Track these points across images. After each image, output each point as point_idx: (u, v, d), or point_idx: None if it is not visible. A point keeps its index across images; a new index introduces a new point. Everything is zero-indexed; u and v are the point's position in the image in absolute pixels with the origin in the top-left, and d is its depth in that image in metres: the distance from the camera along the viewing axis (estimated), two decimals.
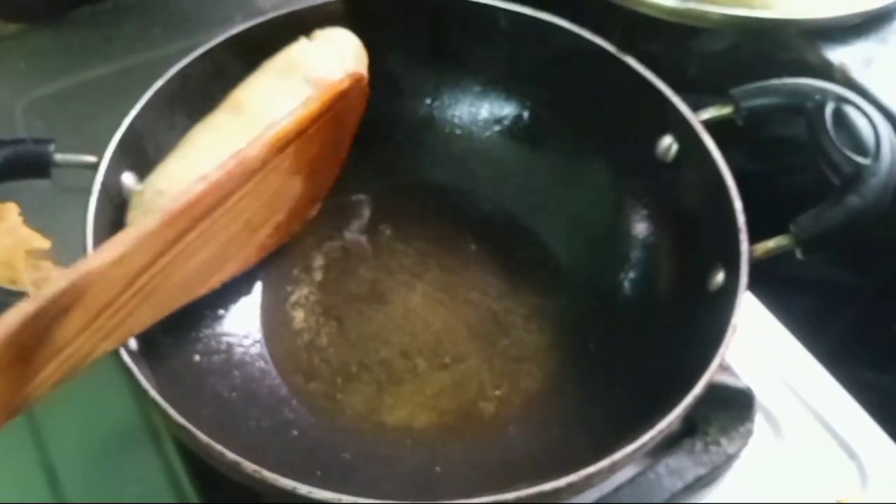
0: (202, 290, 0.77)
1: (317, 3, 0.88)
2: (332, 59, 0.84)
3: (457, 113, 0.94)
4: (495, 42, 0.90)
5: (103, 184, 0.74)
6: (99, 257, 0.64)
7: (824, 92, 0.78)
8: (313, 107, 0.79)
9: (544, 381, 0.82)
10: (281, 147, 0.77)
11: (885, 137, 0.75)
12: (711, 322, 0.72)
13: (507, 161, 0.93)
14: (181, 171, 0.76)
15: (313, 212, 0.89)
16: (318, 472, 0.72)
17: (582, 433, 0.77)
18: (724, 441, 0.80)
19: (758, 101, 0.80)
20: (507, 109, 0.93)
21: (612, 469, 0.64)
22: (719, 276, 0.76)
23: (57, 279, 0.61)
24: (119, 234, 0.66)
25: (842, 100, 0.78)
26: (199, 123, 0.81)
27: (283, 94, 0.81)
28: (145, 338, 0.70)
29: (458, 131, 0.94)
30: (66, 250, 0.85)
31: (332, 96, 0.81)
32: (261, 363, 0.81)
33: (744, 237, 0.74)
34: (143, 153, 0.80)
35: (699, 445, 0.80)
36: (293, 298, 0.86)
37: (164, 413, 0.64)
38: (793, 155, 0.85)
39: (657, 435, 0.64)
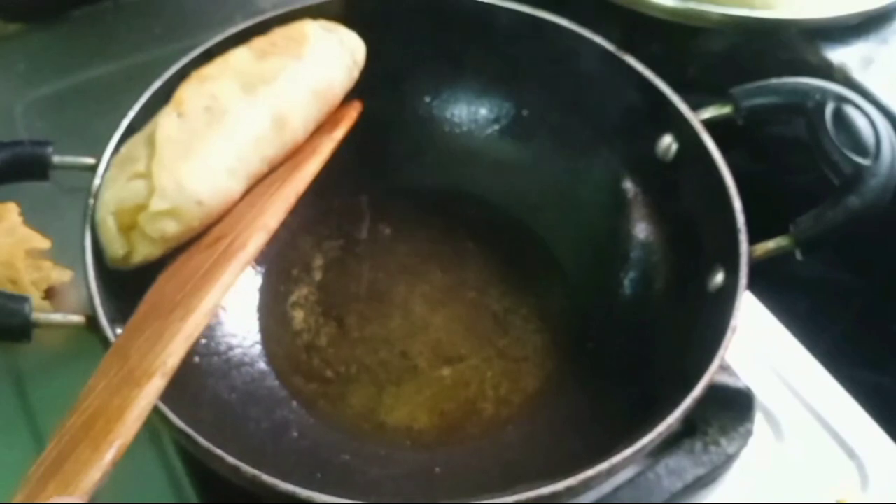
0: None
1: (316, 3, 0.88)
2: (338, 61, 0.85)
3: (456, 112, 0.94)
4: (495, 41, 0.90)
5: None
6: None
7: (824, 91, 0.78)
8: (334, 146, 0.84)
9: (544, 381, 0.82)
10: None
11: (886, 137, 0.75)
12: (711, 323, 0.72)
13: (506, 160, 0.93)
14: (217, 179, 0.75)
15: None
16: (318, 474, 0.72)
17: (581, 433, 0.77)
18: (723, 441, 0.80)
19: (758, 101, 0.81)
20: (507, 108, 0.93)
21: (611, 472, 0.64)
22: (719, 277, 0.76)
23: None
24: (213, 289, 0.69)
25: (842, 99, 0.78)
26: (212, 106, 0.78)
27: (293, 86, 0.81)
28: None
29: (457, 130, 0.94)
30: (66, 250, 0.85)
31: (344, 133, 0.85)
32: (260, 364, 0.81)
33: (743, 237, 0.74)
34: None
35: (699, 446, 0.80)
36: (293, 299, 0.86)
37: (163, 417, 0.64)
38: (793, 155, 0.85)
39: (656, 438, 0.64)
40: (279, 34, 0.84)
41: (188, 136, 0.74)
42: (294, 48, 0.82)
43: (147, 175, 0.72)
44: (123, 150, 0.76)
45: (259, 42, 0.82)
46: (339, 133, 0.84)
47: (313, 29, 0.84)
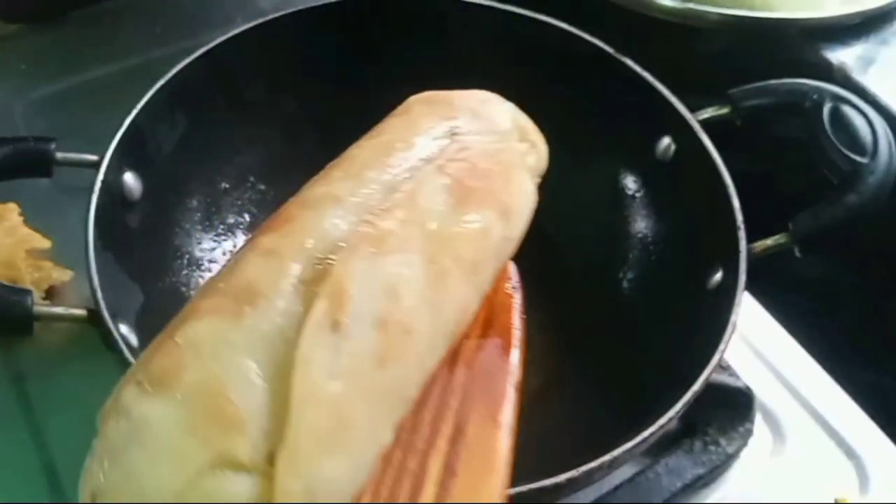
0: None
1: (317, 4, 0.88)
2: (533, 200, 0.62)
3: None
4: (494, 43, 0.90)
5: (104, 182, 0.74)
6: None
7: (822, 91, 0.79)
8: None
9: (544, 381, 0.82)
10: None
11: (883, 136, 0.76)
12: (711, 320, 0.72)
13: None
14: (362, 473, 0.44)
15: None
16: None
17: (581, 432, 0.77)
18: (723, 441, 0.80)
19: (756, 102, 0.81)
20: None
21: (612, 465, 0.64)
22: (718, 275, 0.76)
23: None
24: None
25: (839, 99, 0.78)
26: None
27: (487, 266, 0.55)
28: (146, 335, 0.70)
29: None
30: (67, 250, 0.85)
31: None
32: None
33: (742, 235, 0.74)
34: (143, 152, 0.80)
35: (698, 445, 0.80)
36: None
37: None
38: (791, 154, 0.85)
39: (657, 430, 0.65)
40: (479, 148, 0.57)
41: (344, 386, 0.43)
42: (500, 190, 0.56)
43: (262, 472, 0.41)
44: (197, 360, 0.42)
45: (458, 166, 0.54)
46: (518, 368, 0.54)
47: (518, 144, 0.62)
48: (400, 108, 0.60)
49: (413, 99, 0.61)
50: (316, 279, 0.44)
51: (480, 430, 0.49)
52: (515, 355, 0.54)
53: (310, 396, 0.41)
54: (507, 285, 0.58)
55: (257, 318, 0.43)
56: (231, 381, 0.41)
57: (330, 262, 0.45)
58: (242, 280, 0.44)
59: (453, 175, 0.53)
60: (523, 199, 0.58)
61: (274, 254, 0.46)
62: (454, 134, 0.56)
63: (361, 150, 0.55)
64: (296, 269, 0.45)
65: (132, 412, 0.41)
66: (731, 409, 0.82)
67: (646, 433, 0.64)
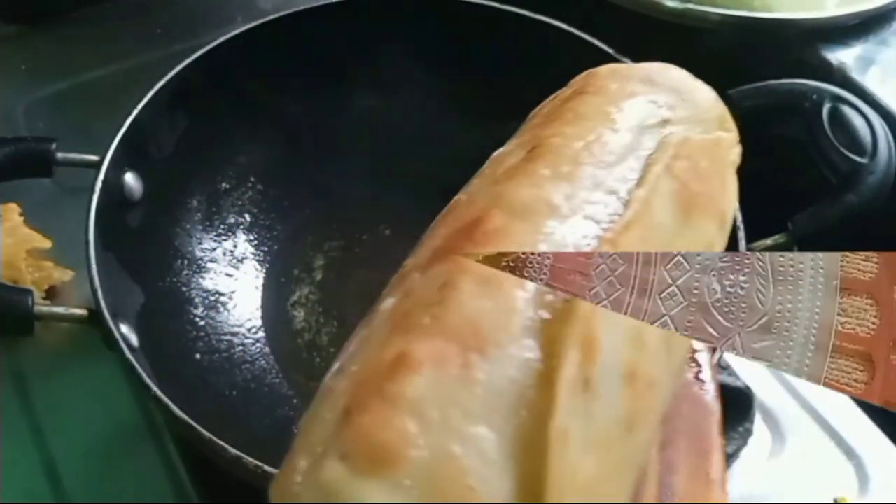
0: None
1: (317, 5, 0.88)
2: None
3: (457, 113, 0.94)
4: (494, 44, 0.90)
5: (105, 182, 0.74)
6: None
7: (821, 92, 0.79)
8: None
9: None
10: None
11: (882, 136, 0.76)
12: None
13: None
14: None
15: None
16: None
17: None
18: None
19: (755, 102, 0.81)
20: (507, 110, 0.93)
21: None
22: None
23: None
24: None
25: (838, 99, 0.78)
26: None
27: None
28: (147, 335, 0.70)
29: (457, 131, 0.94)
30: (67, 250, 0.85)
31: None
32: (262, 362, 0.81)
33: (741, 235, 0.74)
34: (144, 152, 0.80)
35: None
36: (294, 298, 0.86)
37: (165, 409, 0.64)
38: (791, 155, 0.85)
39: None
40: (696, 141, 0.48)
41: (597, 462, 0.35)
42: (718, 194, 0.48)
43: None
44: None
45: (683, 165, 0.45)
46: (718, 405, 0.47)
47: (724, 135, 0.51)
48: (587, 85, 0.51)
49: (601, 72, 0.52)
50: (551, 319, 0.36)
51: (692, 488, 0.41)
52: (711, 390, 0.45)
53: (567, 482, 0.33)
54: None
55: (490, 371, 0.34)
56: (469, 461, 0.32)
57: (566, 295, 0.36)
58: (459, 316, 0.36)
59: (680, 178, 0.44)
60: (733, 204, 0.49)
61: (492, 282, 0.37)
62: (667, 121, 0.47)
63: (562, 140, 0.45)
64: (523, 302, 0.36)
65: (341, 499, 0.33)
66: (730, 409, 0.81)
67: None
